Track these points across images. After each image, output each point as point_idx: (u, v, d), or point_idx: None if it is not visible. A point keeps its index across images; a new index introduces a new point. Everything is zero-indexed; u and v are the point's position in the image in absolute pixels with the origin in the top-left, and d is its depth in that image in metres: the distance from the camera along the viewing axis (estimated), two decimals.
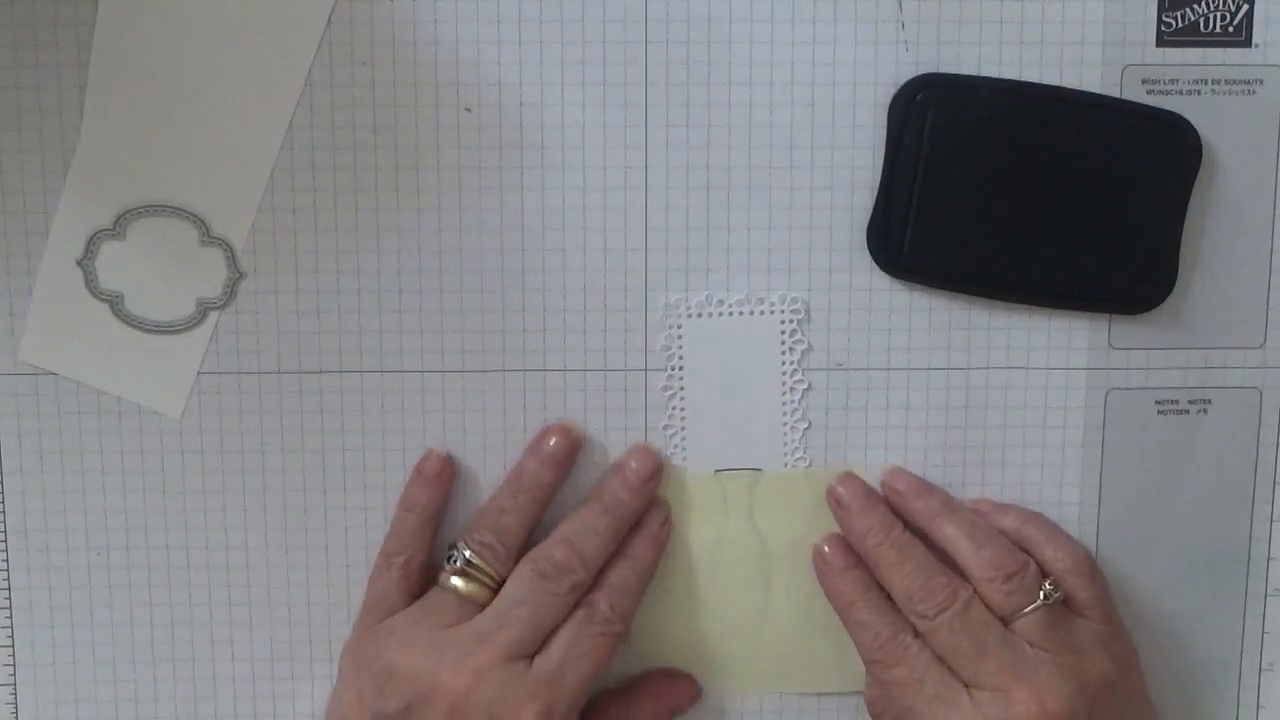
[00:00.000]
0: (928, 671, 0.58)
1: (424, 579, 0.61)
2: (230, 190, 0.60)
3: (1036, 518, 0.62)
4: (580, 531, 0.60)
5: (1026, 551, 0.60)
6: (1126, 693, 0.59)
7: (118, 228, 0.60)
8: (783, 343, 0.61)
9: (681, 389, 0.62)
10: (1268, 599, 0.64)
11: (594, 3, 0.59)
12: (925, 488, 0.61)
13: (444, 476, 0.61)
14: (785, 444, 0.62)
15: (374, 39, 0.59)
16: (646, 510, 0.62)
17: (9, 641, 0.63)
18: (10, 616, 0.63)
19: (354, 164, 0.60)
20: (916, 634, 0.59)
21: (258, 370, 0.61)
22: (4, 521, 0.63)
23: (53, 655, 0.63)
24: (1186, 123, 0.60)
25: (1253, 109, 0.60)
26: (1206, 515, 0.63)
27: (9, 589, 0.63)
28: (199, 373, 0.62)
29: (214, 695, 0.64)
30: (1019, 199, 0.60)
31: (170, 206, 0.60)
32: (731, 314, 0.61)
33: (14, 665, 0.63)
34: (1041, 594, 0.58)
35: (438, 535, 0.62)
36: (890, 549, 0.60)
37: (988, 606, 0.59)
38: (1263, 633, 0.64)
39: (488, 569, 0.59)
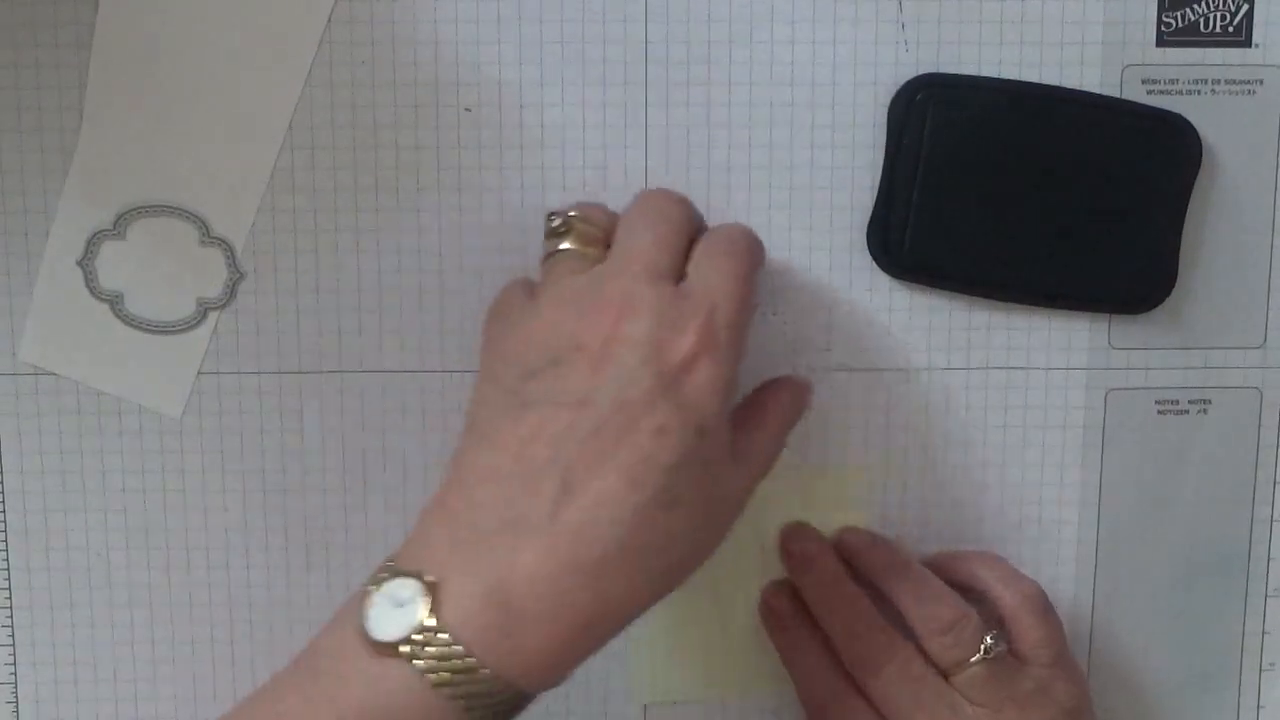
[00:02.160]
0: None
1: None
2: (230, 190, 0.60)
3: (988, 558, 0.62)
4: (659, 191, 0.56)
5: (980, 592, 0.60)
6: None
7: (118, 228, 0.60)
8: (788, 344, 0.61)
9: None
10: (1268, 599, 0.64)
11: (594, 3, 0.59)
12: (873, 542, 0.61)
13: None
14: (787, 444, 0.62)
15: (374, 39, 0.59)
16: None
17: (9, 641, 0.63)
18: (10, 616, 0.63)
19: (354, 164, 0.60)
20: (858, 689, 0.59)
21: (258, 370, 0.61)
22: (4, 521, 0.63)
23: (53, 655, 0.63)
24: (1186, 123, 0.60)
25: (1253, 109, 0.60)
26: (1206, 515, 0.63)
27: (9, 589, 0.63)
28: (199, 373, 0.62)
29: (214, 695, 0.64)
30: (1019, 199, 0.60)
31: (170, 206, 0.60)
32: None
33: (14, 665, 0.63)
34: (982, 648, 0.58)
35: None
36: (836, 601, 0.60)
37: (931, 660, 0.58)
38: (1263, 633, 0.64)
39: (595, 222, 0.55)
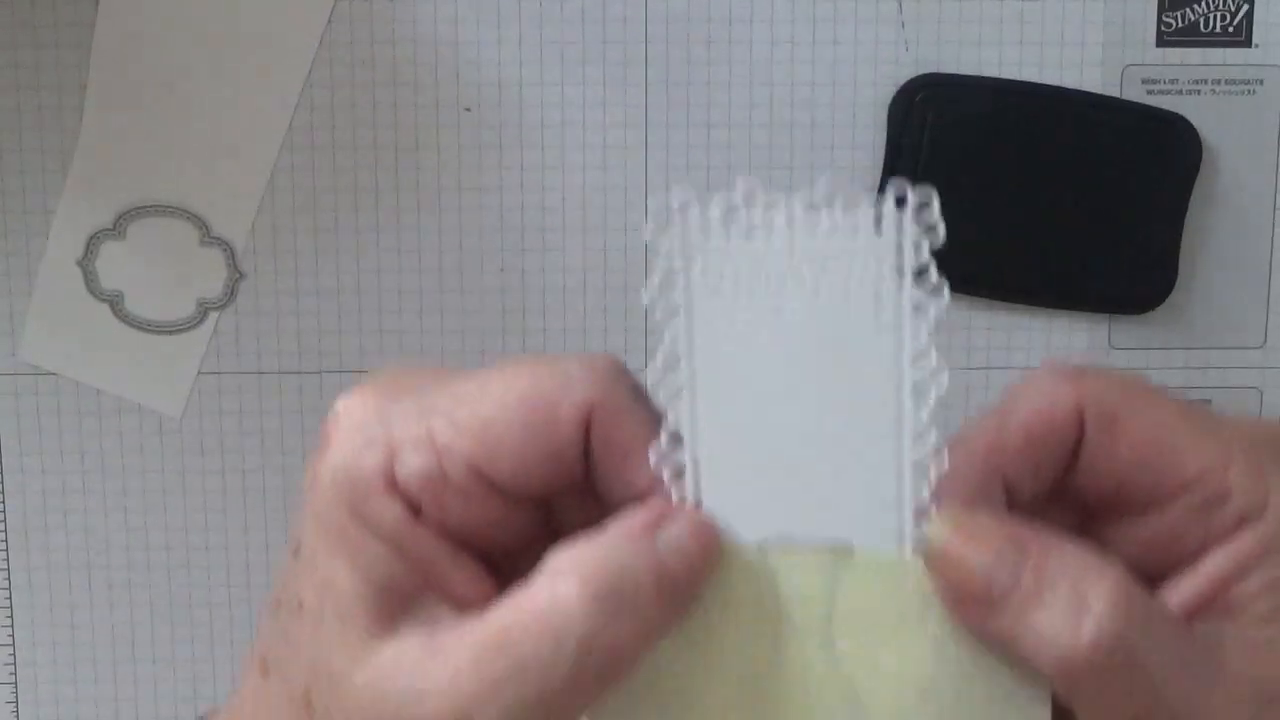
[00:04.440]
0: None
1: None
2: (230, 190, 0.60)
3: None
4: None
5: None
6: None
7: (118, 228, 0.60)
8: (900, 293, 0.32)
9: (693, 379, 0.32)
10: None
11: (594, 3, 0.59)
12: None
13: None
14: (902, 499, 0.32)
15: (374, 39, 0.59)
16: None
17: (9, 641, 0.63)
18: (10, 616, 0.63)
19: (354, 164, 0.60)
20: None
21: (258, 370, 0.61)
22: (4, 521, 0.63)
23: (53, 655, 0.63)
24: (1186, 123, 0.60)
25: (1253, 109, 0.60)
26: None
27: (9, 589, 0.63)
28: (199, 373, 0.62)
29: (214, 695, 0.64)
30: (1019, 199, 0.60)
31: (170, 206, 0.60)
32: (796, 231, 0.32)
33: (14, 665, 0.63)
34: None
35: None
36: None
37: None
38: None
39: None
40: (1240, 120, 0.60)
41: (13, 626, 0.63)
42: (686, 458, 0.32)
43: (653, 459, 0.32)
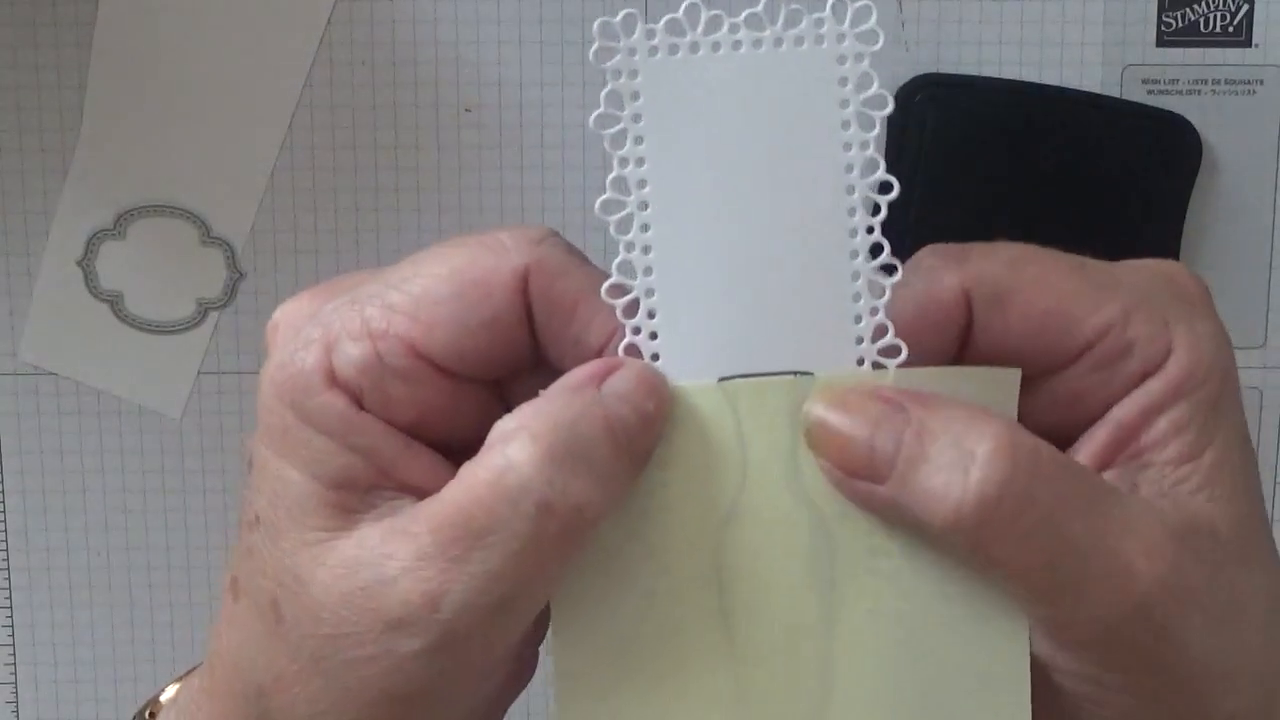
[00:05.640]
0: None
1: None
2: (230, 190, 0.60)
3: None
4: None
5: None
6: None
7: (118, 228, 0.60)
8: (844, 104, 0.32)
9: (645, 210, 0.34)
10: None
11: (594, 3, 0.59)
12: None
13: None
14: (860, 315, 0.32)
15: (374, 39, 0.59)
16: None
17: (9, 641, 0.63)
18: (10, 616, 0.63)
19: (354, 164, 0.60)
20: None
21: (258, 370, 0.61)
22: (4, 521, 0.63)
23: (53, 655, 0.63)
24: (1186, 123, 0.60)
25: (1253, 109, 0.60)
26: None
27: (9, 589, 0.63)
28: (199, 373, 0.62)
29: None
30: (1019, 199, 0.60)
31: (170, 206, 0.60)
32: (740, 47, 0.32)
33: (14, 665, 0.63)
34: None
35: None
36: None
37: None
38: None
39: None
40: (1240, 120, 0.60)
41: (13, 626, 0.63)
42: (639, 288, 0.32)
43: (604, 293, 0.32)
